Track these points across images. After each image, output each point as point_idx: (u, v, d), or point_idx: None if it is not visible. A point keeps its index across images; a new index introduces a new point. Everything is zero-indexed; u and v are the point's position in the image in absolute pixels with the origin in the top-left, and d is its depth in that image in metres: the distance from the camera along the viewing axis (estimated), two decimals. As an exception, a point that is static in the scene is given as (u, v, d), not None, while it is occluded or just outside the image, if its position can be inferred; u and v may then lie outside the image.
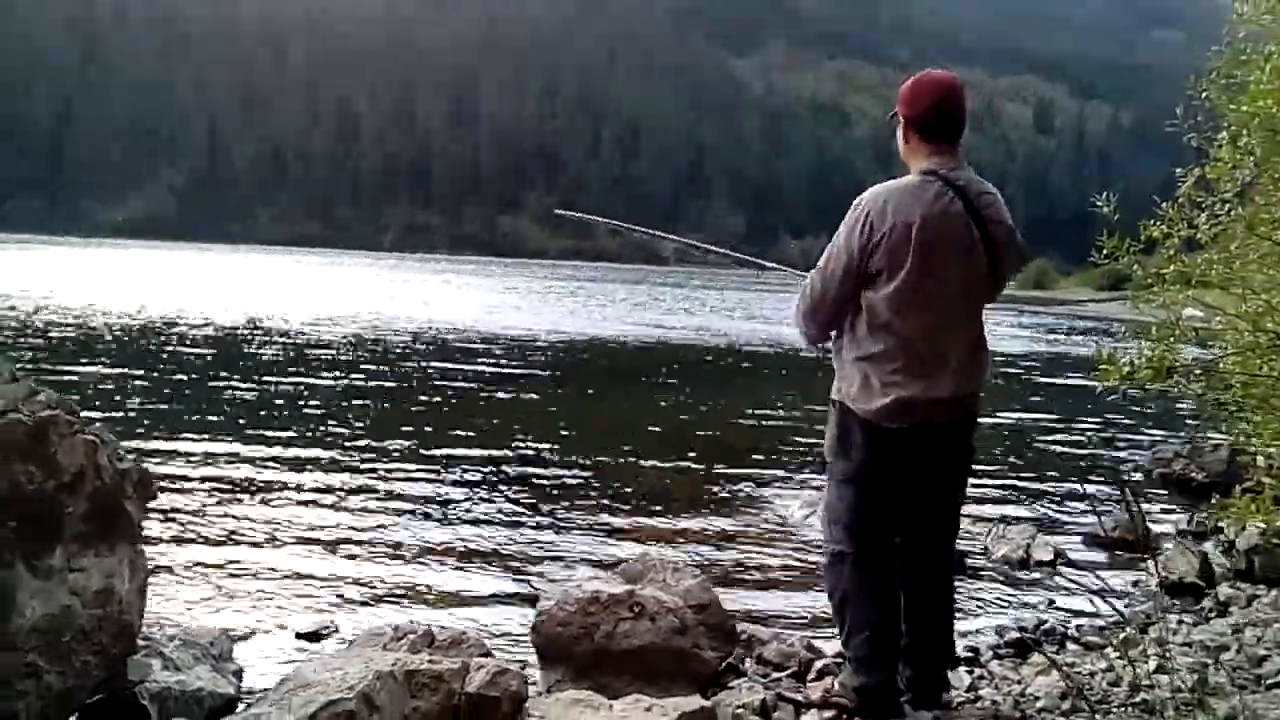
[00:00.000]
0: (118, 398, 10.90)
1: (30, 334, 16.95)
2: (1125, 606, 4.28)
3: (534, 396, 12.92)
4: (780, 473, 8.58)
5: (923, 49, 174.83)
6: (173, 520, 6.06)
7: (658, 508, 7.12)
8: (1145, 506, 7.53)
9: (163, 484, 6.03)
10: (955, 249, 3.20)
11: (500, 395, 12.76)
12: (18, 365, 3.09)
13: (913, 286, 3.18)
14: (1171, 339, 4.52)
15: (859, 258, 3.20)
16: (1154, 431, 11.48)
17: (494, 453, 8.86)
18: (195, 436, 8.86)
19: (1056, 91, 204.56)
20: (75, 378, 12.08)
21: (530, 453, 8.90)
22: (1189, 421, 10.69)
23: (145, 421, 9.47)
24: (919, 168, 3.28)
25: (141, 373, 13.10)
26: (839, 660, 3.89)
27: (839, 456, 3.38)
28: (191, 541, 5.75)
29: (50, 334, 17.13)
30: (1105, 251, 4.55)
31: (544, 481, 7.80)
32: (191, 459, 7.91)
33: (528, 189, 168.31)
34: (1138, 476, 9.03)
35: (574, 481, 7.90)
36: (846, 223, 3.25)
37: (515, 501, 7.14)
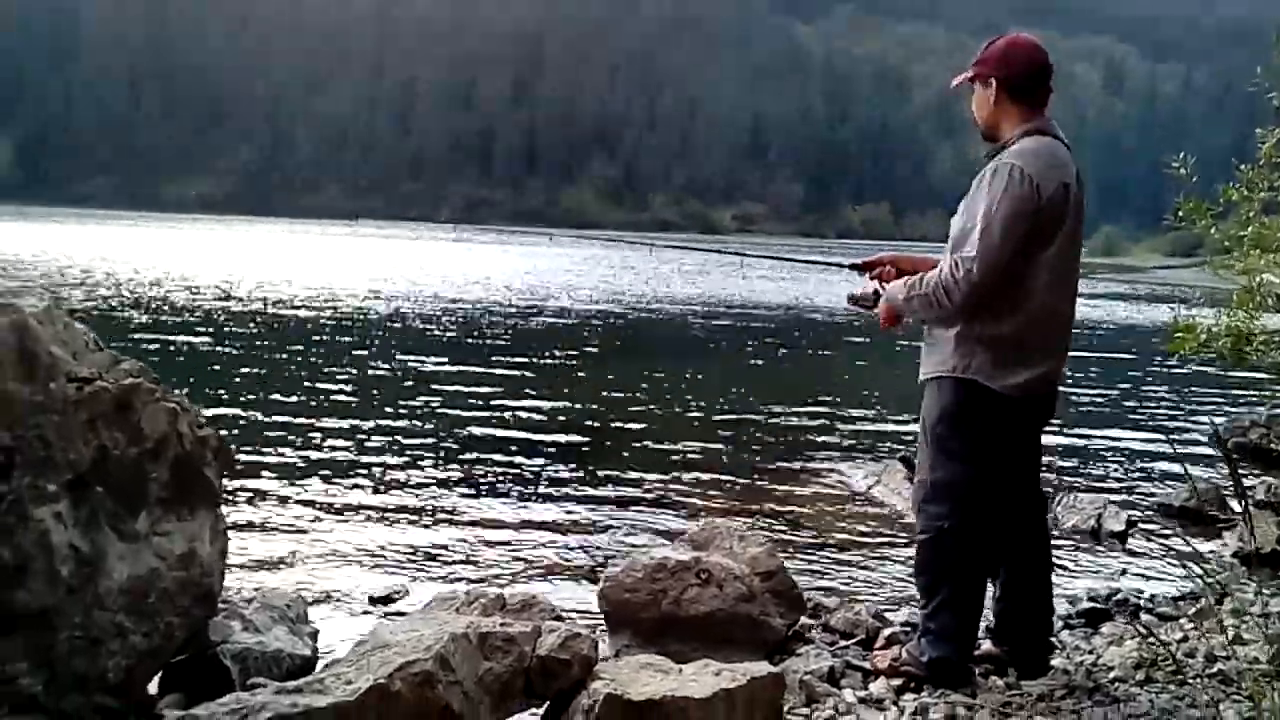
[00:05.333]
0: (195, 366, 11.17)
1: (113, 305, 17.38)
2: (1201, 576, 4.20)
3: (595, 367, 12.99)
4: (841, 441, 8.55)
5: (993, 10, 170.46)
6: (249, 487, 6.20)
7: (720, 477, 7.13)
8: (1222, 477, 7.36)
9: (239, 452, 6.20)
10: (1083, 212, 3.17)
11: (562, 365, 12.84)
12: (100, 335, 3.17)
13: (1067, 251, 3.10)
14: (1251, 305, 4.41)
15: (1028, 225, 2.99)
16: (1230, 400, 11.21)
17: (557, 422, 8.94)
18: (270, 406, 9.05)
19: (1127, 52, 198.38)
20: (156, 346, 12.37)
21: (592, 423, 8.98)
22: (1269, 391, 10.42)
23: (221, 391, 9.68)
24: (1021, 129, 3.16)
25: (218, 344, 13.39)
26: (906, 629, 3.89)
27: (957, 433, 3.22)
28: (267, 508, 5.88)
29: (131, 305, 17.54)
30: (1180, 215, 4.45)
31: (606, 451, 7.85)
32: (266, 428, 8.08)
33: (588, 161, 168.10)
34: (1209, 449, 8.83)
35: (636, 451, 7.93)
36: (1005, 190, 2.99)
37: (579, 471, 7.20)
